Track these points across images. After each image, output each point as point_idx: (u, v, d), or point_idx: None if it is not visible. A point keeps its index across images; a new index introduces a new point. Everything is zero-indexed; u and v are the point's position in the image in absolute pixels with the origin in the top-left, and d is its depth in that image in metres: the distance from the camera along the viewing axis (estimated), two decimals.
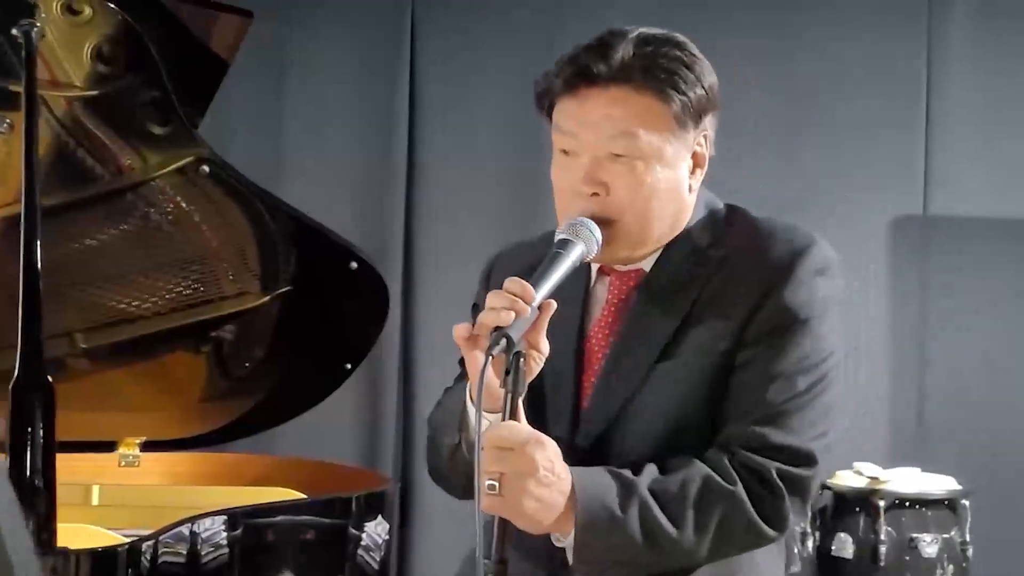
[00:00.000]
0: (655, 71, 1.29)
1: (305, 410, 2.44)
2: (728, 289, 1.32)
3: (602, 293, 1.39)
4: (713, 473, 1.28)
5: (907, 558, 2.64)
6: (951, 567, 2.66)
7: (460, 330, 1.24)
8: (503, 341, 1.17)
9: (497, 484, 1.18)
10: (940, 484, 2.75)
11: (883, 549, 2.62)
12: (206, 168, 2.09)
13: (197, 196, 2.19)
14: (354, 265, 2.24)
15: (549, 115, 1.36)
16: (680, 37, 1.35)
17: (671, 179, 1.32)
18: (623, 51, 1.29)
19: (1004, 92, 3.14)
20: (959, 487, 2.74)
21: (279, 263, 2.30)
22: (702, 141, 1.35)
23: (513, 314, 1.19)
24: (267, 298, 2.30)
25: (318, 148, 3.19)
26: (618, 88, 1.29)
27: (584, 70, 1.30)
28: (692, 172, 1.35)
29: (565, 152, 1.33)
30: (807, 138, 3.16)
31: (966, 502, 2.70)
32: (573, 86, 1.31)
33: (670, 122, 1.30)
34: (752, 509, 1.27)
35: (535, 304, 1.22)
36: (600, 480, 1.27)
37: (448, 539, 3.10)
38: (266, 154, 3.14)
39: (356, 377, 2.44)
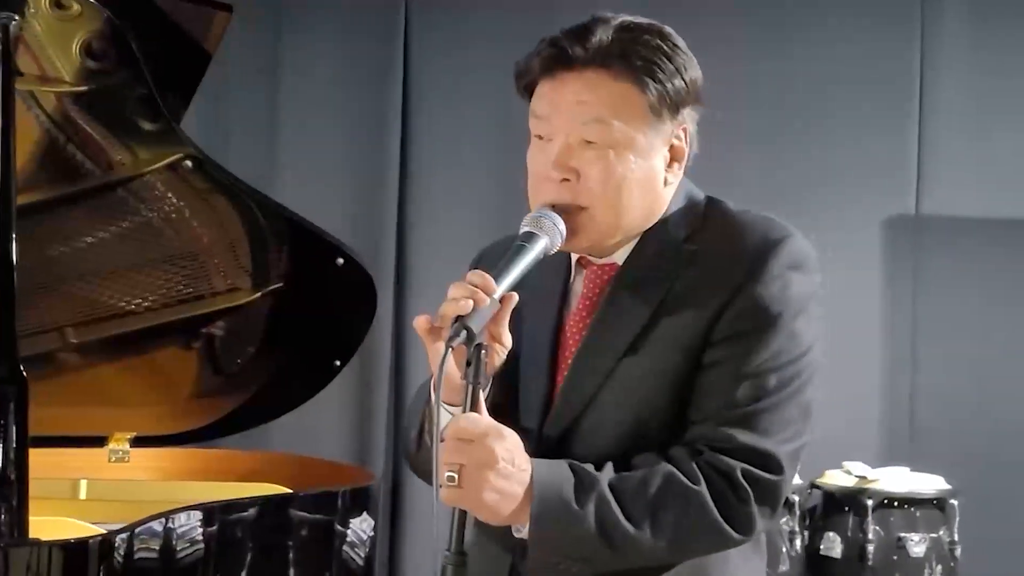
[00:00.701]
0: (632, 58, 1.27)
1: (295, 406, 2.44)
2: (699, 284, 1.29)
3: (580, 287, 1.38)
4: (676, 471, 1.26)
5: (895, 558, 2.64)
6: (939, 567, 2.66)
7: (421, 321, 1.23)
8: (463, 332, 1.16)
9: (456, 476, 1.18)
10: (929, 483, 2.75)
11: (871, 548, 2.62)
12: (188, 163, 2.09)
13: (188, 192, 2.19)
14: (340, 261, 2.24)
15: (526, 97, 1.34)
16: (665, 28, 1.32)
17: (644, 170, 1.30)
18: (602, 35, 1.27)
19: (997, 91, 3.14)
20: (948, 486, 2.74)
21: (270, 260, 2.30)
22: (680, 135, 1.33)
23: (471, 303, 1.18)
24: (258, 295, 2.31)
25: (312, 147, 3.20)
26: (594, 72, 1.27)
27: (561, 53, 1.28)
28: (669, 165, 1.33)
29: (540, 137, 1.32)
30: (799, 137, 3.16)
31: (955, 502, 2.70)
32: (549, 69, 1.29)
33: (645, 111, 1.28)
34: (716, 510, 1.24)
35: (496, 296, 1.21)
36: (559, 472, 1.26)
37: (438, 536, 3.11)
38: (260, 153, 3.15)
39: (348, 374, 2.44)
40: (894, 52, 3.15)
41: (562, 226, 1.27)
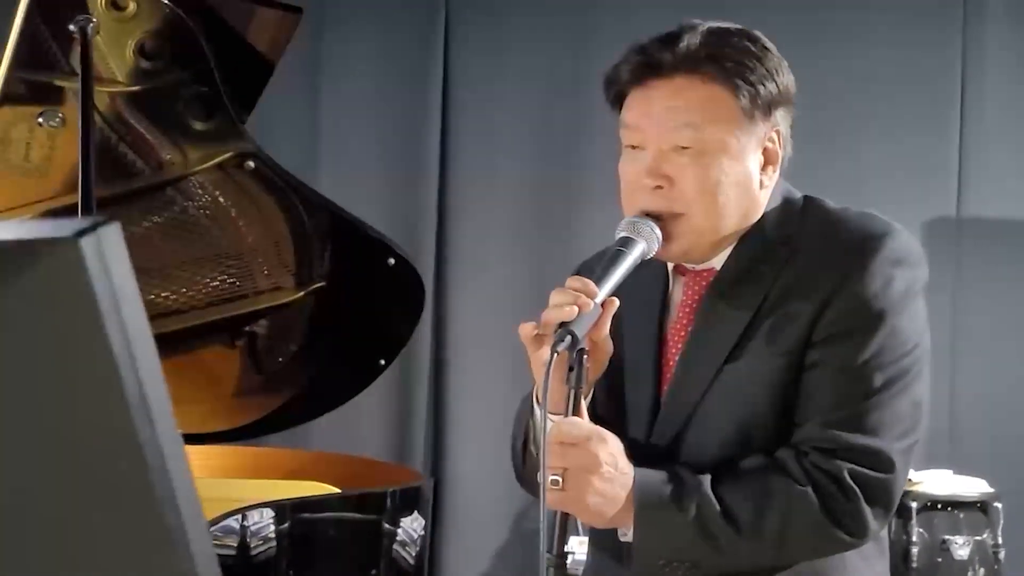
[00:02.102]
0: (722, 60, 1.26)
1: (338, 405, 2.45)
2: (799, 284, 1.27)
3: (679, 295, 1.36)
4: (781, 474, 1.24)
5: (939, 560, 2.63)
6: (983, 570, 2.64)
7: (526, 329, 1.22)
8: (568, 338, 1.16)
9: (561, 479, 1.18)
10: (972, 486, 2.73)
11: (915, 551, 2.61)
12: (251, 163, 2.10)
13: (234, 191, 2.20)
14: (391, 261, 2.24)
15: (618, 109, 1.33)
16: (755, 32, 1.32)
17: (738, 173, 1.29)
18: (689, 40, 1.27)
19: None
20: (991, 489, 2.73)
21: (314, 259, 2.31)
22: (774, 137, 1.31)
23: (576, 309, 1.18)
24: (301, 293, 2.31)
25: (352, 149, 3.21)
26: (683, 78, 1.27)
27: (649, 60, 1.28)
28: (763, 168, 1.31)
29: (632, 147, 1.31)
30: (839, 138, 3.15)
31: (998, 504, 2.68)
32: (638, 76, 1.28)
33: (737, 113, 1.27)
34: (823, 512, 1.22)
35: (598, 300, 1.21)
36: (662, 477, 1.26)
37: (478, 536, 3.11)
38: (300, 155, 3.15)
39: (388, 373, 2.44)
40: (935, 53, 3.13)
41: (658, 231, 1.27)
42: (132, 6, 1.93)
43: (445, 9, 3.22)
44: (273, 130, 3.10)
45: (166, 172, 2.17)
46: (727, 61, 1.27)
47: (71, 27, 1.79)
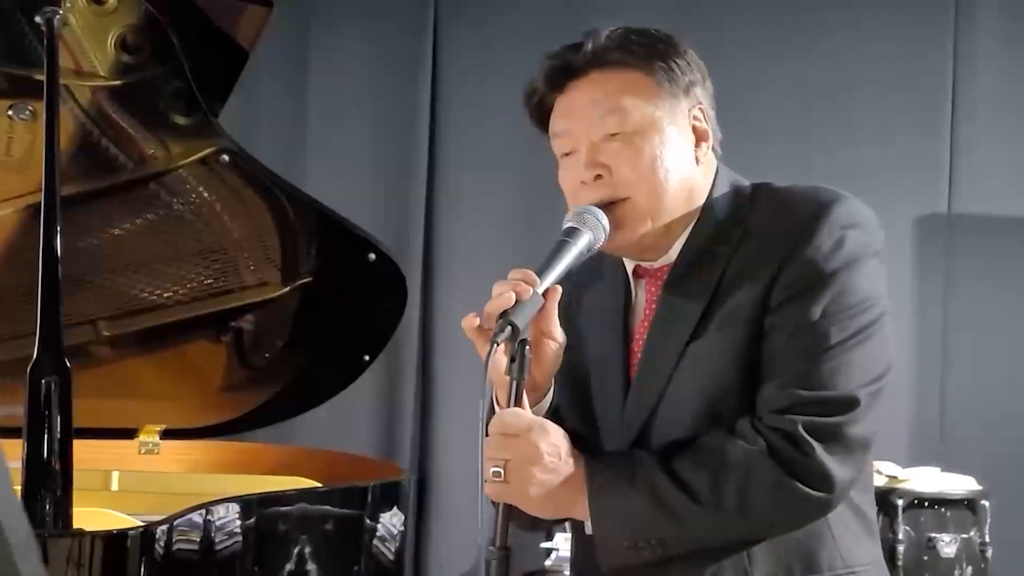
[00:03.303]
0: (629, 46, 1.30)
1: (323, 401, 2.45)
2: (754, 257, 1.27)
3: (641, 297, 1.37)
4: (732, 437, 1.23)
5: (925, 558, 2.62)
6: (970, 568, 2.63)
7: (469, 320, 1.22)
8: (508, 328, 1.16)
9: (502, 471, 1.18)
10: (960, 484, 2.72)
11: (901, 549, 2.60)
12: (226, 157, 2.10)
13: (219, 187, 2.20)
14: (372, 257, 2.24)
15: (544, 127, 1.36)
16: (653, 27, 1.35)
17: (672, 148, 1.31)
18: (595, 39, 1.31)
19: None
20: (979, 487, 2.72)
21: (299, 254, 2.31)
22: (699, 115, 1.34)
23: (513, 296, 1.18)
24: (287, 289, 2.31)
25: (340, 143, 3.21)
26: (598, 72, 1.30)
27: (563, 63, 1.31)
28: (697, 145, 1.33)
29: (566, 155, 1.33)
30: (831, 135, 3.14)
31: (986, 502, 2.67)
32: (555, 81, 1.32)
33: (656, 90, 1.30)
34: (780, 470, 1.20)
35: (539, 290, 1.21)
36: (610, 461, 1.26)
37: (464, 531, 3.11)
38: (288, 149, 3.16)
39: (374, 368, 2.44)
40: (927, 51, 3.13)
41: (605, 221, 1.27)
42: (112, 1, 1.93)
43: (434, 6, 3.21)
44: (261, 126, 3.10)
45: (149, 167, 2.17)
46: (634, 45, 1.30)
47: (37, 19, 1.79)
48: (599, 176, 1.30)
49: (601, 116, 1.29)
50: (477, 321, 1.20)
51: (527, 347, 1.18)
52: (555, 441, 1.22)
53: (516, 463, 1.20)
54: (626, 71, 1.29)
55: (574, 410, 1.35)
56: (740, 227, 1.30)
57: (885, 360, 1.26)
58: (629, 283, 1.38)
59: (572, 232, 1.26)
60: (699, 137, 1.34)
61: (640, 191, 1.29)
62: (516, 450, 1.20)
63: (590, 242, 1.27)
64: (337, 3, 3.21)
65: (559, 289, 1.24)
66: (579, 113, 1.30)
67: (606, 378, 1.35)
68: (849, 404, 1.21)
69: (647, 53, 1.30)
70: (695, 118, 1.34)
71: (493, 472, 1.17)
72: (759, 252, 1.27)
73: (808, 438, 1.20)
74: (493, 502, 1.21)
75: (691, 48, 1.34)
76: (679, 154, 1.31)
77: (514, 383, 1.19)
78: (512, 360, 1.18)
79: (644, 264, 1.37)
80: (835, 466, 1.20)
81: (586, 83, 1.30)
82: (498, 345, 1.16)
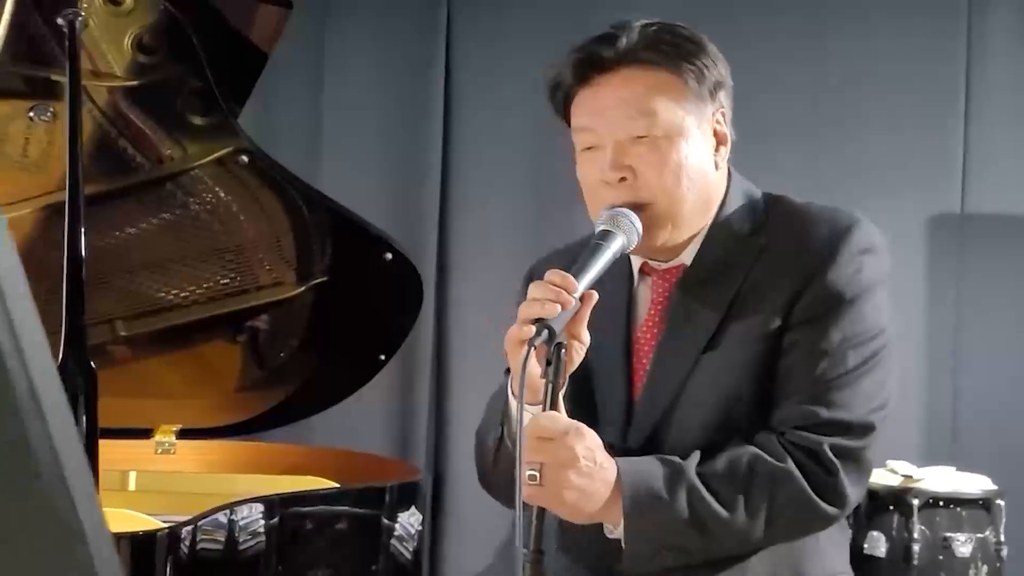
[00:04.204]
0: (662, 47, 1.30)
1: (338, 401, 2.45)
2: (771, 275, 1.30)
3: (646, 294, 1.37)
4: (762, 452, 1.26)
5: (940, 557, 2.61)
6: (985, 567, 2.62)
7: (516, 334, 1.20)
8: (545, 332, 1.17)
9: (538, 474, 1.18)
10: (975, 483, 2.71)
11: (916, 548, 2.60)
12: (244, 158, 2.11)
13: (235, 186, 2.20)
14: (388, 256, 2.25)
15: (565, 117, 1.35)
16: (680, 23, 1.35)
17: (696, 154, 1.31)
18: (627, 36, 1.30)
19: None
20: (994, 487, 2.71)
21: (315, 254, 2.31)
22: (720, 119, 1.34)
23: (559, 307, 1.18)
24: (302, 288, 2.32)
25: (354, 142, 3.21)
26: (628, 70, 1.29)
27: (593, 56, 1.30)
28: (716, 150, 1.34)
29: (588, 149, 1.33)
30: (843, 133, 3.13)
31: (1001, 502, 2.67)
32: (583, 74, 1.31)
33: (685, 93, 1.30)
34: (805, 485, 1.24)
35: (576, 294, 1.21)
36: (646, 467, 1.26)
37: (479, 531, 3.11)
38: (302, 148, 3.16)
39: (389, 368, 2.44)
40: (940, 48, 3.12)
41: (639, 224, 1.28)
42: (129, 1, 1.93)
43: (447, 5, 3.21)
44: (276, 126, 3.10)
45: (166, 167, 2.17)
46: (667, 46, 1.30)
47: (59, 20, 1.79)
48: (623, 179, 1.30)
49: (630, 117, 1.29)
50: (529, 332, 1.18)
51: (563, 350, 1.18)
52: (591, 445, 1.23)
53: (552, 467, 1.20)
54: (657, 71, 1.29)
55: (577, 400, 1.35)
56: (758, 241, 1.33)
57: (889, 387, 1.33)
58: (632, 278, 1.39)
59: (606, 235, 1.27)
60: (719, 141, 1.35)
61: (662, 198, 1.30)
62: (552, 453, 1.20)
63: (623, 245, 1.27)
64: (350, 3, 3.21)
65: (594, 295, 1.25)
66: (608, 111, 1.30)
67: (608, 372, 1.35)
68: (867, 429, 1.28)
69: (678, 54, 1.30)
70: (717, 122, 1.35)
71: (529, 475, 1.17)
72: (779, 270, 1.30)
73: (833, 459, 1.25)
74: (526, 505, 1.21)
75: (715, 50, 1.35)
76: (702, 160, 1.32)
77: (550, 386, 1.19)
78: (548, 363, 1.18)
79: (653, 263, 1.37)
80: (850, 487, 1.27)
81: (616, 80, 1.29)
82: (535, 348, 1.16)
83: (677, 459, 1.27)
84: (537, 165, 3.17)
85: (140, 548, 1.53)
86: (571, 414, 1.31)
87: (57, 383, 0.57)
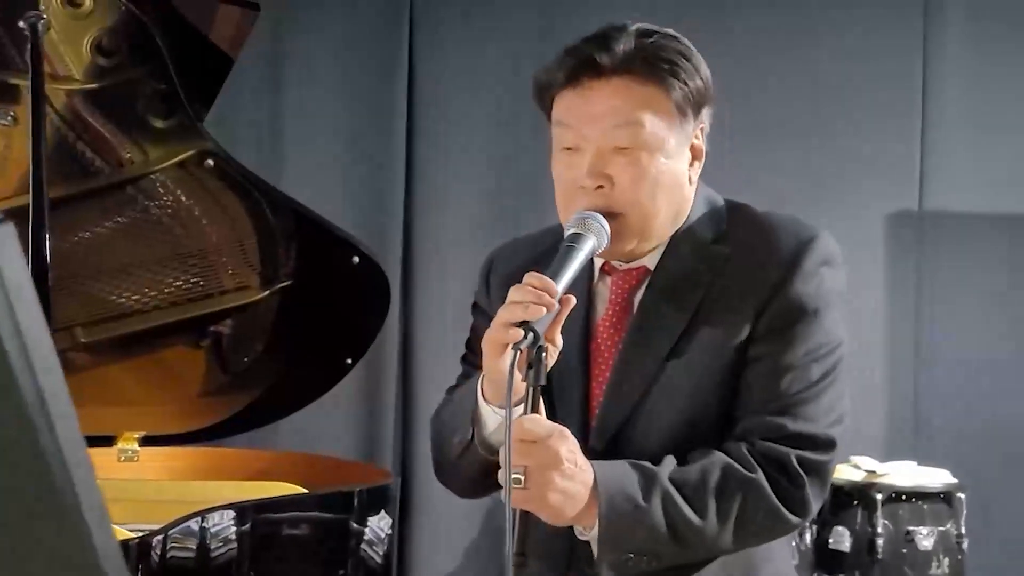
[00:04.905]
0: (658, 61, 1.30)
1: (305, 404, 2.43)
2: (736, 285, 1.32)
3: (604, 292, 1.38)
4: (733, 462, 1.28)
5: (904, 551, 2.65)
6: (947, 560, 2.67)
7: (498, 337, 1.20)
8: (531, 335, 1.17)
9: (523, 477, 1.18)
10: (936, 478, 2.76)
11: (880, 542, 2.63)
12: (211, 161, 2.09)
13: (197, 190, 2.18)
14: (356, 259, 2.23)
15: (548, 111, 1.35)
16: (675, 32, 1.36)
17: (673, 171, 1.33)
18: (624, 43, 1.30)
19: (999, 90, 3.16)
20: (955, 480, 2.76)
21: (279, 258, 2.29)
22: (699, 134, 1.36)
23: (544, 309, 1.19)
24: (267, 292, 2.30)
25: (317, 143, 3.18)
26: (620, 79, 1.30)
27: (588, 61, 1.30)
28: (691, 164, 1.36)
29: (567, 149, 1.33)
30: (802, 134, 3.17)
31: (962, 495, 2.71)
32: (576, 78, 1.31)
33: (672, 111, 1.31)
34: (773, 496, 1.27)
35: (556, 298, 1.22)
36: (622, 471, 1.27)
37: (447, 533, 3.11)
38: (264, 149, 3.13)
39: (356, 371, 2.43)
40: (896, 49, 3.17)
41: (607, 227, 1.29)
42: (88, 3, 1.91)
43: (410, 6, 3.20)
44: (236, 127, 3.07)
45: (127, 171, 2.15)
46: (661, 62, 1.31)
47: (21, 23, 1.77)
48: (601, 186, 1.30)
49: (617, 126, 1.30)
50: (515, 335, 1.18)
51: (544, 353, 1.18)
52: (572, 447, 1.24)
53: (536, 469, 1.20)
54: (649, 85, 1.30)
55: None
56: (721, 250, 1.34)
57: (846, 398, 1.35)
58: (591, 276, 1.40)
59: (577, 238, 1.27)
60: (694, 155, 1.36)
61: (635, 210, 1.31)
62: (536, 456, 1.21)
63: (594, 247, 1.28)
64: (312, 3, 3.19)
65: (572, 299, 1.25)
66: (594, 117, 1.30)
67: (565, 370, 1.35)
68: (831, 444, 1.30)
69: (671, 70, 1.31)
70: (695, 137, 1.35)
71: (514, 478, 1.17)
72: (743, 281, 1.32)
73: (800, 471, 1.28)
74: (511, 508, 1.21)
75: (705, 65, 1.35)
76: (676, 176, 1.34)
77: (531, 389, 1.20)
78: (529, 367, 1.18)
79: (614, 262, 1.38)
80: (813, 498, 1.30)
81: (608, 87, 1.30)
82: (521, 352, 1.16)
83: (651, 465, 1.28)
84: (502, 166, 3.17)
85: None
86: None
87: (65, 393, 0.56)
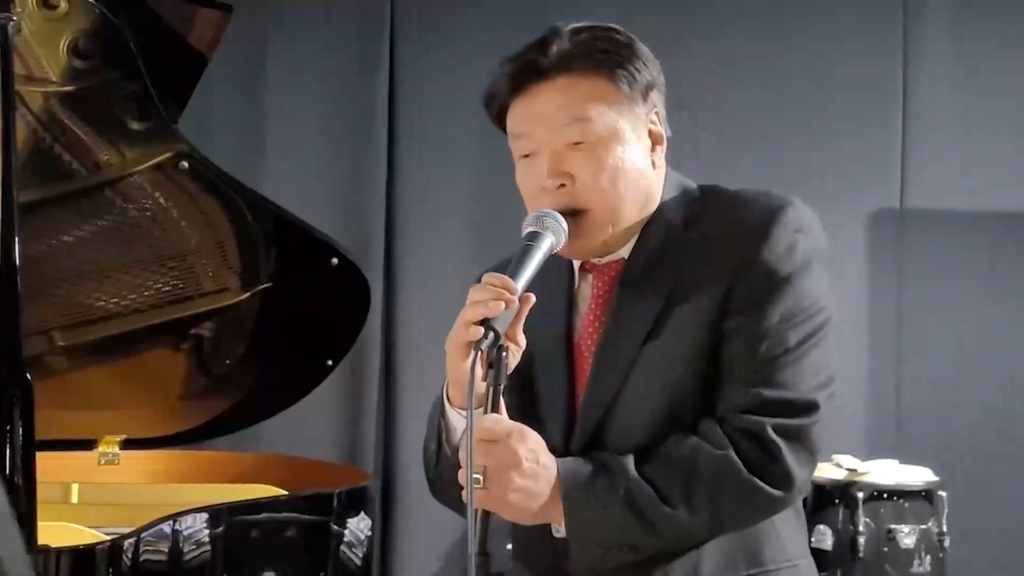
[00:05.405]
0: (595, 53, 1.31)
1: (286, 407, 2.43)
2: (708, 263, 1.30)
3: (587, 291, 1.38)
4: (703, 442, 1.25)
5: (885, 549, 2.66)
6: (928, 557, 2.68)
7: (460, 336, 1.20)
8: (491, 335, 1.17)
9: (481, 477, 1.18)
10: (917, 476, 2.77)
11: (862, 540, 2.64)
12: (185, 163, 2.08)
13: (176, 192, 2.17)
14: (335, 261, 2.23)
15: (502, 126, 1.36)
16: (612, 24, 1.36)
17: (632, 158, 1.32)
18: (560, 43, 1.31)
19: (978, 88, 3.18)
20: (936, 478, 2.77)
21: (259, 259, 2.29)
22: (655, 119, 1.36)
23: (503, 304, 1.19)
24: (247, 295, 2.29)
25: (299, 147, 3.18)
26: (563, 77, 1.30)
27: (528, 65, 1.31)
28: (653, 150, 1.36)
29: (526, 156, 1.34)
30: (784, 133, 3.18)
31: (943, 493, 2.72)
32: (519, 84, 1.32)
33: (620, 98, 1.31)
34: (746, 471, 1.23)
35: (516, 296, 1.22)
36: (583, 465, 1.26)
37: (429, 535, 3.11)
38: (246, 153, 3.13)
39: (338, 374, 2.43)
40: (877, 48, 3.18)
41: (564, 223, 1.29)
42: (64, 5, 1.90)
43: (391, 7, 3.20)
44: (217, 130, 3.07)
45: (104, 173, 2.14)
46: (599, 53, 1.31)
47: None
48: (562, 185, 1.31)
49: (565, 125, 1.30)
50: (476, 334, 1.17)
51: (504, 353, 1.18)
52: (533, 446, 1.23)
53: (495, 469, 1.20)
54: (590, 78, 1.31)
55: (517, 401, 1.35)
56: (694, 232, 1.33)
57: (832, 364, 1.31)
58: (572, 276, 1.39)
59: (535, 236, 1.27)
60: (655, 141, 1.36)
61: (600, 202, 1.31)
62: (495, 456, 1.20)
63: (552, 244, 1.28)
64: (293, 6, 3.18)
65: (532, 297, 1.25)
66: (543, 119, 1.31)
67: (550, 370, 1.35)
68: (811, 407, 1.25)
69: (611, 59, 1.31)
70: (651, 122, 1.36)
71: (473, 478, 1.17)
72: (714, 258, 1.30)
73: (776, 440, 1.24)
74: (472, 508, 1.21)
75: (647, 50, 1.36)
76: (638, 161, 1.33)
77: (491, 389, 1.19)
78: (490, 367, 1.18)
79: (593, 260, 1.38)
80: (796, 467, 1.24)
81: (551, 88, 1.31)
82: (482, 352, 1.16)
83: (616, 456, 1.27)
84: (483, 167, 3.17)
85: (80, 562, 1.50)
86: (512, 405, 1.31)
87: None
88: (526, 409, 1.34)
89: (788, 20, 3.19)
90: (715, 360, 1.28)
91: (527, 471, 1.21)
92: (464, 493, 1.17)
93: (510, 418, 1.25)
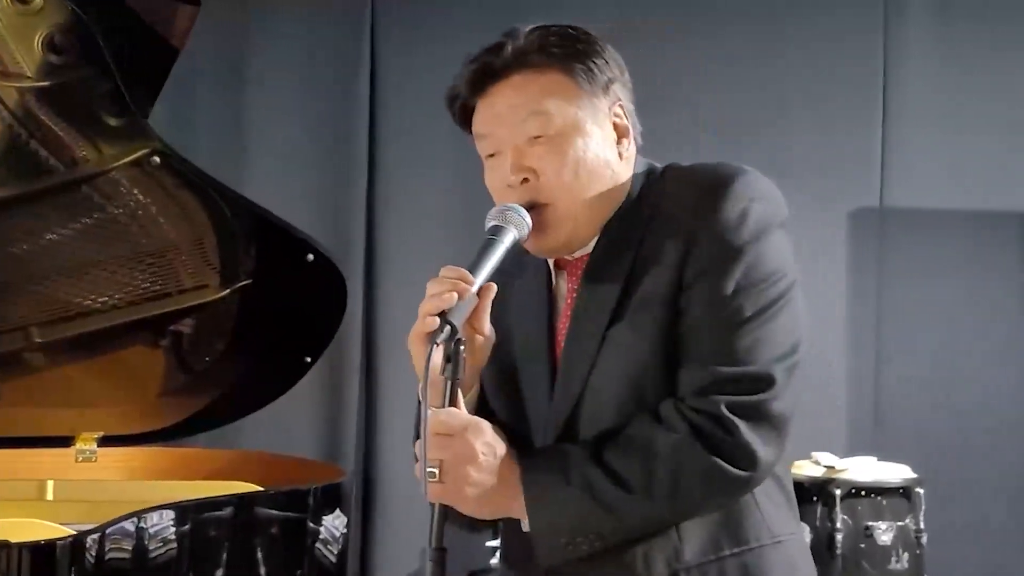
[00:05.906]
0: (549, 48, 1.32)
1: (265, 404, 2.43)
2: (661, 238, 1.28)
3: (563, 288, 1.38)
4: (657, 424, 1.23)
5: (863, 546, 2.67)
6: (906, 554, 2.69)
7: (418, 329, 1.20)
8: (447, 328, 1.16)
9: (437, 471, 1.18)
10: (895, 473, 2.78)
11: (839, 537, 2.65)
12: (156, 159, 2.08)
13: (154, 189, 2.17)
14: (311, 257, 2.23)
15: (468, 128, 1.38)
16: (571, 24, 1.36)
17: (595, 149, 1.32)
18: (514, 43, 1.32)
19: (959, 86, 3.19)
20: (914, 475, 2.77)
21: (238, 256, 2.29)
22: (619, 112, 1.35)
23: (456, 296, 1.18)
24: (226, 291, 2.29)
25: (280, 146, 3.18)
26: (519, 75, 1.31)
27: (484, 66, 1.33)
28: (619, 142, 1.35)
29: (491, 156, 1.35)
30: (765, 131, 3.19)
31: (920, 490, 2.73)
32: (479, 86, 1.33)
33: (576, 90, 1.32)
34: (706, 452, 1.20)
35: (473, 289, 1.22)
36: (542, 455, 1.26)
37: (409, 532, 3.11)
38: (226, 151, 3.12)
39: (318, 371, 2.43)
40: (857, 47, 3.19)
41: (527, 217, 1.29)
42: (38, 0, 1.90)
43: (371, 7, 3.20)
44: (198, 127, 3.06)
45: (81, 169, 2.13)
46: (554, 48, 1.32)
47: None
48: (525, 180, 1.31)
49: (524, 120, 1.31)
50: (434, 325, 1.17)
51: (462, 346, 1.18)
52: (490, 440, 1.23)
53: (451, 463, 1.20)
54: (547, 73, 1.31)
55: (503, 404, 1.35)
56: (647, 208, 1.32)
57: (797, 333, 1.26)
58: (551, 274, 1.40)
59: (497, 230, 1.28)
60: (620, 134, 1.36)
61: (563, 195, 1.31)
62: (452, 450, 1.20)
63: (515, 238, 1.28)
64: (275, 4, 3.18)
65: (493, 287, 1.25)
66: (502, 117, 1.32)
67: (533, 370, 1.35)
68: (767, 380, 1.21)
69: (566, 54, 1.32)
70: (616, 115, 1.35)
71: (429, 472, 1.17)
72: (667, 232, 1.28)
73: (732, 417, 1.20)
74: (430, 503, 1.21)
75: (608, 45, 1.36)
76: (600, 154, 1.33)
77: (449, 383, 1.19)
78: (448, 360, 1.18)
79: (566, 256, 1.38)
80: (758, 444, 1.20)
81: (508, 86, 1.32)
82: (438, 345, 1.16)
83: (575, 445, 1.26)
84: (463, 167, 3.16)
85: (40, 558, 1.49)
86: (499, 407, 1.31)
87: None
88: (514, 408, 1.35)
89: (768, 16, 3.20)
90: (675, 338, 1.25)
91: (484, 465, 1.21)
92: (425, 486, 1.17)
93: (500, 419, 1.26)
